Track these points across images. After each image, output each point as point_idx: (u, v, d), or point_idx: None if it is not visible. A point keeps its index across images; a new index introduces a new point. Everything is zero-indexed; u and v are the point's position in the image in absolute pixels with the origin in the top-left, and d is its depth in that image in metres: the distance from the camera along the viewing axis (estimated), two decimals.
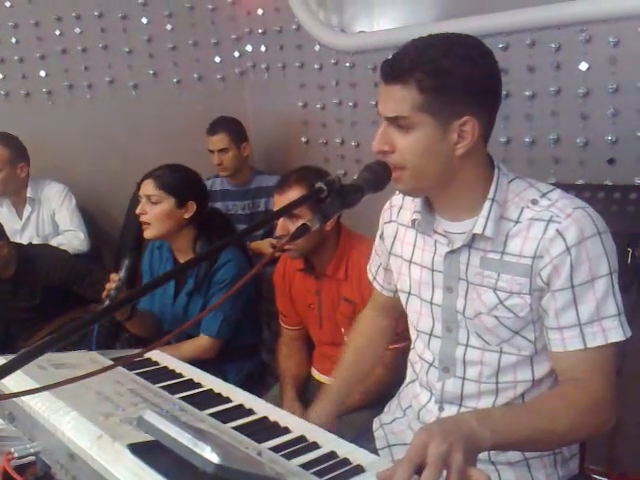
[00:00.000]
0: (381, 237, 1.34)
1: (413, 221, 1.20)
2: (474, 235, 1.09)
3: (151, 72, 3.21)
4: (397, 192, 1.30)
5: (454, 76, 1.00)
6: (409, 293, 1.24)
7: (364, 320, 1.49)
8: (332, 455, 0.97)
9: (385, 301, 1.41)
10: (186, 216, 1.89)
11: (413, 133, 1.03)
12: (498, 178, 1.10)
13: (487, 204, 1.08)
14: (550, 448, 1.12)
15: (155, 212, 1.86)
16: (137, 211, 1.89)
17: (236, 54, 3.27)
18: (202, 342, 1.93)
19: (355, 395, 1.70)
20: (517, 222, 1.07)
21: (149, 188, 1.87)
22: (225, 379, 1.29)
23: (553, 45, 2.10)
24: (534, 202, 1.07)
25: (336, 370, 1.48)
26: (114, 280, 1.72)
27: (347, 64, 2.78)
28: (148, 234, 1.89)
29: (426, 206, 1.17)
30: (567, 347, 1.05)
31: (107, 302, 1.68)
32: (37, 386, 0.80)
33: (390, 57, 1.05)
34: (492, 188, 1.09)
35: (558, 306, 1.04)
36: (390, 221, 1.30)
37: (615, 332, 1.03)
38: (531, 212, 1.06)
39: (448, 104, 1.01)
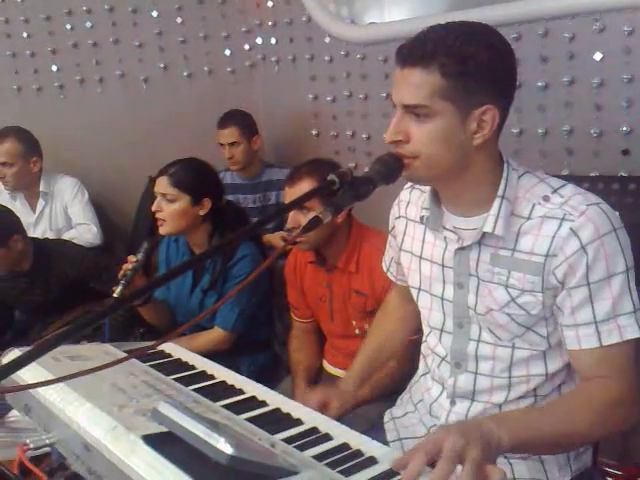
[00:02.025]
0: (392, 232, 1.33)
1: (422, 217, 1.19)
2: (484, 233, 1.08)
3: (161, 66, 3.22)
4: (405, 186, 1.30)
5: (478, 62, 0.98)
6: (419, 289, 1.24)
7: (390, 304, 1.47)
8: (345, 446, 0.97)
9: (406, 289, 1.40)
10: (201, 213, 1.89)
11: (431, 122, 1.00)
12: (508, 174, 1.08)
13: (497, 202, 1.06)
14: (571, 448, 1.11)
15: (170, 210, 1.85)
16: (153, 208, 1.89)
17: (246, 47, 3.27)
18: (216, 335, 1.94)
19: (367, 388, 1.70)
20: (528, 219, 1.05)
21: (164, 186, 1.86)
22: (238, 372, 1.30)
23: (567, 35, 2.08)
24: (546, 199, 1.05)
25: (362, 348, 1.46)
26: (131, 261, 1.74)
27: (358, 56, 2.77)
28: (163, 230, 1.89)
29: (434, 201, 1.16)
30: (582, 345, 1.03)
31: (122, 282, 1.70)
32: (52, 378, 0.81)
33: (409, 41, 1.02)
34: (502, 185, 1.07)
35: (574, 304, 1.03)
36: (399, 216, 1.29)
37: (632, 329, 1.01)
38: (543, 209, 1.04)
39: (470, 91, 0.99)
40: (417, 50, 1.00)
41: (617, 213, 1.06)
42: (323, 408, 1.29)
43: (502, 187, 1.07)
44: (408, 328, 1.43)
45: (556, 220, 1.03)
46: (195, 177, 1.89)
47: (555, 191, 1.06)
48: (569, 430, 0.97)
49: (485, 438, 0.84)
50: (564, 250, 1.02)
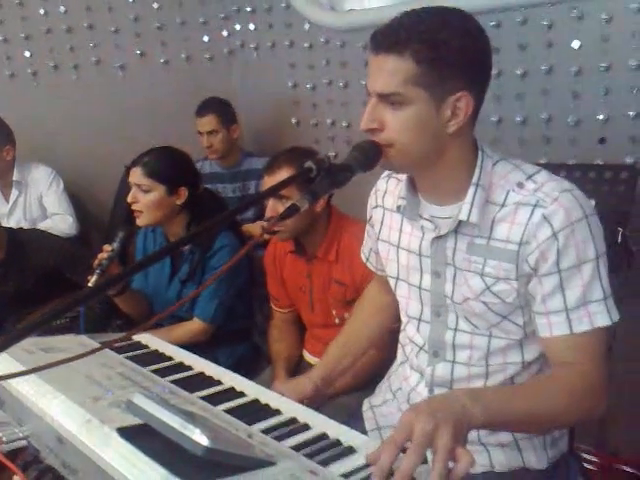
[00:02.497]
0: (370, 222, 1.33)
1: (398, 207, 1.19)
2: (460, 221, 1.08)
3: (138, 52, 3.16)
4: (382, 175, 1.29)
5: (451, 49, 0.97)
6: (397, 278, 1.24)
7: (368, 294, 1.47)
8: (323, 436, 0.97)
9: (385, 279, 1.40)
10: (178, 202, 1.86)
11: (406, 109, 1.00)
12: (482, 161, 1.08)
13: (471, 189, 1.06)
14: (542, 429, 1.12)
15: (146, 201, 1.82)
16: (128, 199, 1.85)
17: (224, 33, 3.23)
18: (195, 326, 1.92)
19: (346, 377, 1.70)
20: (503, 206, 1.05)
21: (138, 176, 1.83)
22: (217, 363, 1.28)
23: (545, 23, 2.08)
24: (520, 185, 1.05)
25: (336, 338, 1.45)
26: (107, 250, 1.71)
27: (337, 43, 2.75)
28: (141, 222, 1.86)
29: (410, 190, 1.16)
30: (553, 332, 1.04)
31: (97, 272, 1.67)
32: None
33: (382, 27, 1.01)
34: (476, 172, 1.07)
35: (545, 291, 1.04)
36: (376, 206, 1.29)
37: (601, 317, 1.02)
38: (517, 196, 1.04)
39: (444, 78, 0.99)
40: (390, 37, 0.99)
41: (593, 202, 1.06)
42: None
43: (477, 174, 1.07)
44: (386, 319, 1.43)
45: (529, 207, 1.03)
46: (170, 166, 1.86)
47: (529, 178, 1.06)
48: (541, 410, 0.98)
49: (456, 416, 0.84)
50: (537, 237, 1.02)
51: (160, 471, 0.75)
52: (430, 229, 1.13)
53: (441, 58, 0.97)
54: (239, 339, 2.07)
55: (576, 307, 1.02)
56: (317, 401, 1.35)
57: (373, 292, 1.45)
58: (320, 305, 1.85)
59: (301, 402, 1.19)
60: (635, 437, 1.98)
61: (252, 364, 2.05)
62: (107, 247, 1.72)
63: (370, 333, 1.44)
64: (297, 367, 1.94)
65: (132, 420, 0.85)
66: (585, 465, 2.04)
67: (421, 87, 0.99)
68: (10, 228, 2.37)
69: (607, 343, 1.07)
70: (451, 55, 0.98)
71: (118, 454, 0.80)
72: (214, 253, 1.89)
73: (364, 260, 1.42)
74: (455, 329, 1.15)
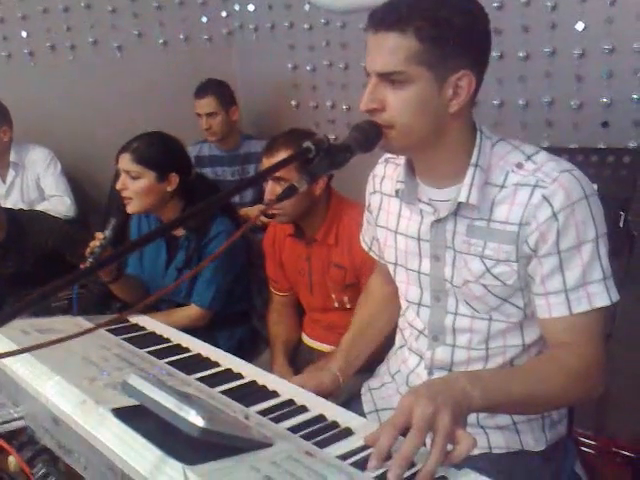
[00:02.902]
0: (368, 209, 1.32)
1: (397, 191, 1.18)
2: (459, 203, 1.07)
3: (136, 32, 3.12)
4: (380, 160, 1.27)
5: (453, 27, 0.96)
6: (395, 264, 1.22)
7: (372, 287, 1.44)
8: (320, 418, 0.96)
9: (385, 269, 1.38)
10: (169, 189, 1.82)
11: (407, 88, 0.98)
12: (481, 142, 1.06)
13: (470, 170, 1.05)
14: (540, 411, 1.12)
15: (135, 188, 1.79)
16: (117, 186, 1.82)
17: (223, 14, 3.18)
18: (193, 312, 1.91)
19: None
20: (502, 187, 1.04)
21: (127, 163, 1.79)
22: (216, 346, 1.28)
23: (549, 4, 2.05)
24: (519, 166, 1.04)
25: (347, 332, 1.40)
26: (99, 238, 1.69)
27: (338, 24, 2.72)
28: (130, 209, 1.83)
29: (409, 174, 1.14)
30: (552, 313, 1.03)
31: (90, 260, 1.66)
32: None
33: (382, 5, 1.00)
34: (475, 153, 1.05)
35: (544, 272, 1.03)
36: (374, 192, 1.28)
37: (600, 297, 1.02)
38: (516, 177, 1.03)
39: (446, 56, 0.97)
40: (392, 14, 0.97)
41: (595, 186, 1.05)
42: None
43: (475, 155, 1.06)
44: (395, 309, 1.39)
45: (529, 187, 1.02)
46: (159, 152, 1.82)
47: (529, 158, 1.05)
48: (539, 392, 0.98)
49: (456, 399, 0.83)
50: (537, 217, 1.01)
51: (155, 452, 0.75)
52: (429, 212, 1.12)
53: (444, 36, 0.96)
54: (238, 322, 2.07)
55: (575, 287, 1.02)
56: (335, 393, 1.31)
57: (376, 284, 1.42)
58: (319, 288, 1.84)
59: (320, 394, 1.14)
60: (634, 421, 1.98)
61: (251, 347, 2.05)
62: (99, 235, 1.70)
63: (383, 324, 1.40)
64: (296, 350, 1.94)
65: (128, 401, 0.84)
66: (583, 449, 2.05)
67: (423, 65, 0.97)
68: (10, 209, 2.36)
69: (606, 324, 1.06)
70: (453, 33, 0.96)
71: (113, 435, 0.80)
72: (210, 240, 1.87)
73: (366, 249, 1.39)
74: (455, 313, 1.14)
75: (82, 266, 1.64)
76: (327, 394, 1.24)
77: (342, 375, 1.31)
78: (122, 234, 1.97)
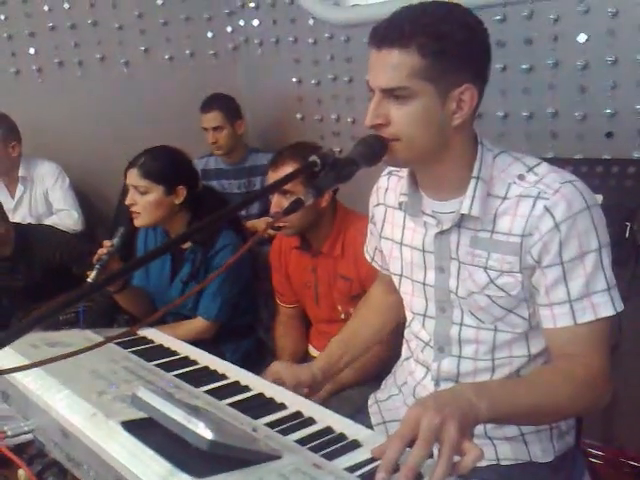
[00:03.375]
0: (372, 221, 1.33)
1: (400, 203, 1.19)
2: (462, 215, 1.08)
3: (142, 48, 3.16)
4: (383, 173, 1.29)
5: (455, 41, 0.98)
6: (401, 275, 1.23)
7: (372, 295, 1.45)
8: (328, 430, 0.96)
9: (389, 279, 1.39)
10: (177, 202, 1.85)
11: (411, 103, 1.00)
12: (482, 154, 1.07)
13: (472, 183, 1.06)
14: (547, 422, 1.12)
15: (144, 202, 1.81)
16: (127, 202, 1.84)
17: (229, 29, 3.22)
18: (199, 324, 1.92)
19: (350, 371, 1.69)
20: (505, 198, 1.05)
21: (135, 178, 1.82)
22: (223, 358, 1.28)
23: (551, 16, 2.06)
24: (521, 177, 1.05)
25: (337, 334, 1.43)
26: (107, 246, 1.71)
27: (342, 38, 2.74)
28: (139, 223, 1.85)
29: (412, 186, 1.16)
30: (557, 323, 1.04)
31: (97, 267, 1.67)
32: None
33: (383, 22, 1.01)
34: (476, 165, 1.07)
35: (548, 282, 1.03)
36: (378, 204, 1.29)
37: (605, 307, 1.02)
38: (519, 188, 1.04)
39: (449, 71, 0.99)
40: (394, 31, 0.99)
41: (600, 197, 1.06)
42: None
43: (477, 168, 1.07)
44: (390, 319, 1.41)
45: (531, 199, 1.03)
46: (166, 166, 1.85)
47: (530, 170, 1.06)
48: (546, 402, 0.98)
49: (463, 411, 0.83)
50: (539, 228, 1.02)
51: (165, 465, 0.75)
52: (433, 224, 1.13)
53: (446, 51, 0.98)
54: (244, 334, 2.07)
55: (579, 298, 1.02)
56: (313, 392, 1.33)
57: (377, 292, 1.43)
58: (325, 300, 1.85)
59: (299, 392, 1.17)
60: None
61: (257, 359, 2.05)
62: (107, 243, 1.72)
63: (372, 333, 1.42)
64: (302, 362, 1.94)
65: (137, 414, 0.85)
66: (592, 459, 2.04)
67: (427, 80, 0.98)
68: (18, 223, 2.38)
69: (612, 335, 1.06)
70: (455, 48, 0.98)
71: (123, 448, 0.80)
72: (216, 252, 1.88)
73: (369, 260, 1.41)
74: (460, 324, 1.15)
75: (89, 274, 1.66)
76: (306, 392, 1.26)
77: (322, 374, 1.32)
78: (130, 244, 1.98)
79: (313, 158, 0.96)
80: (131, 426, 0.83)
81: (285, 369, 1.28)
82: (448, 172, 1.09)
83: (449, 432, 0.80)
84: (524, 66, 2.17)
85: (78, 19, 3.08)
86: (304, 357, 1.96)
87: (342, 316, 1.83)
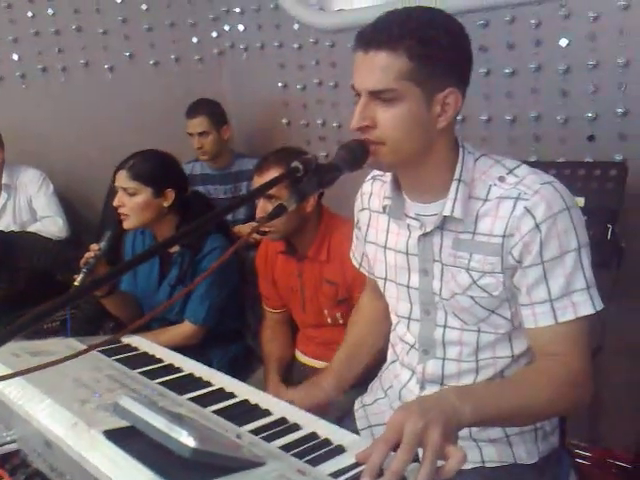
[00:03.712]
0: (357, 225, 1.33)
1: (384, 207, 1.20)
2: (444, 217, 1.09)
3: (127, 54, 3.15)
4: (367, 178, 1.29)
5: (441, 46, 0.99)
6: (385, 279, 1.24)
7: (363, 303, 1.45)
8: (313, 436, 0.96)
9: (375, 284, 1.39)
10: (165, 204, 1.85)
11: (398, 105, 1.01)
12: (463, 157, 1.09)
13: (454, 185, 1.08)
14: (530, 422, 1.13)
15: (132, 204, 1.81)
16: (115, 203, 1.84)
17: (214, 34, 3.22)
18: (186, 329, 1.91)
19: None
20: (486, 200, 1.07)
21: (123, 179, 1.82)
22: (210, 364, 1.28)
23: (533, 21, 2.09)
24: (501, 179, 1.07)
25: (339, 349, 1.42)
26: (94, 249, 1.70)
27: (327, 43, 2.75)
28: (127, 225, 1.85)
29: (396, 190, 1.17)
30: (538, 323, 1.05)
31: (84, 271, 1.66)
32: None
33: (369, 25, 1.02)
34: (458, 168, 1.08)
35: (529, 282, 1.05)
36: (363, 209, 1.30)
37: (584, 306, 1.03)
38: (499, 190, 1.06)
39: (435, 75, 1.00)
40: (382, 33, 1.00)
41: (583, 199, 1.07)
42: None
43: (458, 170, 1.08)
44: (383, 325, 1.39)
45: (511, 200, 1.04)
46: (155, 168, 1.85)
47: (510, 172, 1.07)
48: (529, 403, 0.99)
49: (446, 415, 0.84)
50: (520, 229, 1.03)
51: (147, 473, 0.75)
52: (416, 227, 1.14)
53: (432, 54, 0.99)
54: (231, 340, 2.07)
55: (560, 297, 1.03)
56: (325, 410, 1.32)
57: (368, 301, 1.43)
58: (312, 305, 1.85)
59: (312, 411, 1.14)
60: (628, 431, 1.99)
61: (245, 365, 2.05)
62: (94, 246, 1.72)
63: (374, 341, 1.41)
64: (289, 368, 1.94)
65: (119, 423, 0.84)
66: (578, 460, 2.05)
67: (413, 83, 1.00)
68: (1, 231, 2.36)
69: (595, 335, 1.07)
70: (441, 52, 1.00)
71: (105, 457, 0.80)
72: (204, 256, 1.88)
73: (357, 266, 1.41)
74: (444, 326, 1.16)
75: (76, 277, 1.65)
76: (321, 411, 1.23)
77: (334, 393, 1.32)
78: (116, 248, 1.98)
79: (295, 164, 0.96)
80: (113, 435, 0.83)
81: (300, 399, 1.27)
82: (431, 175, 1.10)
83: (432, 436, 0.80)
84: (507, 70, 2.19)
85: (62, 25, 3.06)
86: (291, 362, 1.96)
87: (329, 320, 1.83)
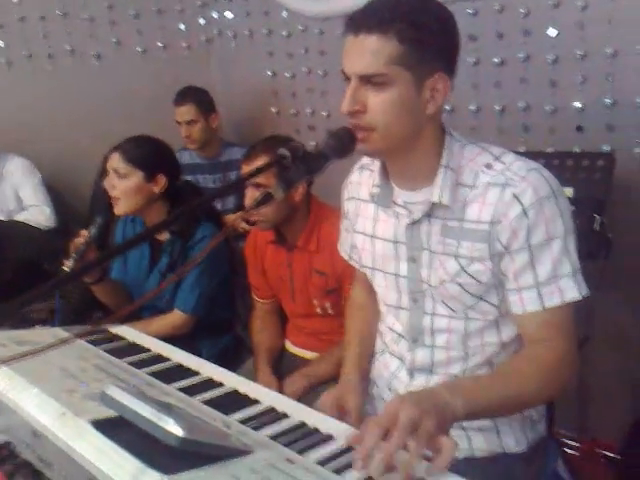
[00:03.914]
0: (346, 216, 1.32)
1: (372, 195, 1.19)
2: (432, 204, 1.09)
3: (114, 41, 3.11)
4: (355, 167, 1.29)
5: (432, 31, 0.99)
6: (373, 268, 1.24)
7: (356, 296, 1.43)
8: (302, 425, 0.96)
9: (364, 276, 1.38)
10: (156, 190, 1.84)
11: (388, 90, 1.00)
12: (450, 144, 1.09)
13: (441, 172, 1.08)
14: (520, 410, 1.14)
15: (123, 187, 1.81)
16: (105, 185, 1.84)
17: (202, 21, 3.19)
18: (175, 318, 1.90)
19: (328, 366, 1.70)
20: (473, 187, 1.07)
21: (116, 161, 1.82)
22: (199, 355, 1.27)
23: (522, 10, 2.08)
24: (488, 166, 1.07)
25: (350, 350, 1.33)
26: (83, 236, 1.69)
27: (316, 31, 2.73)
28: (118, 210, 1.85)
29: (384, 178, 1.16)
30: (526, 309, 1.06)
31: (74, 256, 1.65)
32: None
33: (360, 9, 1.02)
34: (445, 154, 1.08)
35: (516, 267, 1.05)
36: (350, 198, 1.29)
37: (571, 291, 1.05)
38: (486, 176, 1.06)
39: (425, 60, 1.00)
40: (373, 17, 0.99)
41: (571, 189, 1.08)
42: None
43: (445, 157, 1.08)
44: (378, 318, 1.37)
45: (499, 186, 1.05)
46: (148, 152, 1.85)
47: (497, 159, 1.08)
48: (519, 392, 1.00)
49: (440, 408, 0.85)
50: (507, 215, 1.04)
51: (135, 463, 0.75)
52: (404, 215, 1.14)
53: (423, 39, 0.99)
54: (221, 330, 2.06)
55: (547, 282, 1.04)
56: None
57: (360, 293, 1.40)
58: (301, 295, 1.84)
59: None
60: (616, 422, 2.01)
61: (235, 355, 2.04)
62: (84, 232, 1.71)
63: (374, 331, 1.36)
64: (279, 358, 1.94)
65: (107, 412, 0.84)
66: (566, 450, 2.07)
67: (404, 67, 1.00)
68: None
69: (580, 324, 1.09)
70: (432, 37, 1.00)
71: (92, 447, 0.80)
72: (195, 244, 1.87)
73: (346, 258, 1.39)
74: (432, 314, 1.16)
75: (65, 263, 1.64)
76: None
77: (361, 387, 1.24)
78: (106, 235, 1.97)
79: (282, 151, 0.96)
80: (101, 425, 0.82)
81: (331, 407, 1.14)
82: (418, 161, 1.10)
83: (426, 425, 0.81)
84: (496, 60, 2.18)
85: (47, 11, 3.01)
86: (281, 352, 1.96)
87: (318, 310, 1.83)
